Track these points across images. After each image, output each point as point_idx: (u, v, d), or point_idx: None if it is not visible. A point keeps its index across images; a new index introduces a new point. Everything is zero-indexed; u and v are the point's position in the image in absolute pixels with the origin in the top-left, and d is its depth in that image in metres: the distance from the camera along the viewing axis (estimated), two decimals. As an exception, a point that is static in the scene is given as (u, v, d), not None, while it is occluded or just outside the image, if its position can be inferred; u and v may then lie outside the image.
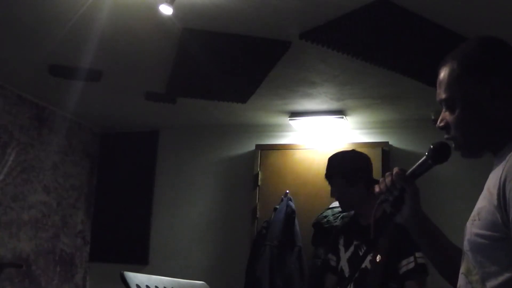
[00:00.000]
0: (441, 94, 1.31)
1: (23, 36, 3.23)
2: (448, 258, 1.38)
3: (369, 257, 2.32)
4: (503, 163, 1.17)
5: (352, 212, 2.72)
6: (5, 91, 4.12)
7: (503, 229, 1.12)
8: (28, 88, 4.20)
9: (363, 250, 2.43)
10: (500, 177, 1.14)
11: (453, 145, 1.31)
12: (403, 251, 2.30)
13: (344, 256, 2.51)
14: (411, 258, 2.29)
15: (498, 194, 1.13)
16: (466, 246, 1.22)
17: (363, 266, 2.35)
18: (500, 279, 1.12)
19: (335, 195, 2.59)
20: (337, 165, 2.60)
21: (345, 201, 2.55)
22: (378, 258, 2.28)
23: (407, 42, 3.07)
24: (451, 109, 1.29)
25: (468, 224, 1.23)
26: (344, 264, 2.51)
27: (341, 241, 2.57)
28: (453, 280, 1.30)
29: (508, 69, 1.25)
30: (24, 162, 4.28)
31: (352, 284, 2.37)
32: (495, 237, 1.13)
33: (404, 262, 2.30)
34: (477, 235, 1.17)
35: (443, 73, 1.31)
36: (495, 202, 1.13)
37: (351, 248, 2.49)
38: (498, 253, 1.13)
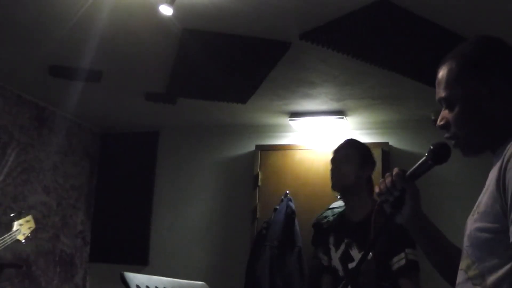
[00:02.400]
0: (441, 93, 1.31)
1: (23, 36, 3.23)
2: (447, 258, 1.38)
3: (359, 255, 2.32)
4: (503, 154, 1.16)
5: (341, 209, 2.72)
6: (5, 91, 4.12)
7: (503, 220, 1.11)
8: (28, 88, 4.20)
9: (354, 249, 2.42)
10: (500, 167, 1.14)
11: (453, 142, 1.31)
12: (394, 248, 2.30)
13: (336, 255, 2.50)
14: (402, 255, 2.29)
15: (498, 183, 1.13)
16: (465, 242, 1.22)
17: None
18: (500, 272, 1.11)
19: (339, 170, 2.55)
20: (358, 144, 2.64)
21: (346, 180, 2.50)
22: (369, 256, 2.28)
23: (407, 42, 3.07)
24: (450, 107, 1.29)
25: (468, 220, 1.23)
26: (336, 263, 2.50)
27: (331, 240, 2.56)
28: (453, 280, 1.30)
29: (508, 68, 1.26)
30: (24, 162, 4.27)
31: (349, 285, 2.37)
32: (495, 229, 1.13)
33: (395, 259, 2.30)
34: (477, 228, 1.17)
35: (442, 72, 1.32)
36: (495, 192, 1.13)
37: (342, 247, 2.48)
38: (498, 246, 1.12)
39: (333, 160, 2.60)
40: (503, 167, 1.13)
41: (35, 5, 2.84)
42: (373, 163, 2.58)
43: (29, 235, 3.14)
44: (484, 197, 1.19)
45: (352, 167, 2.50)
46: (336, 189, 2.59)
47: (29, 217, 3.17)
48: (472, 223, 1.20)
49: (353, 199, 2.51)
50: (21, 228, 3.08)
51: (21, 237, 3.08)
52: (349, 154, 2.55)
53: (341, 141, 4.44)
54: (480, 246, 1.16)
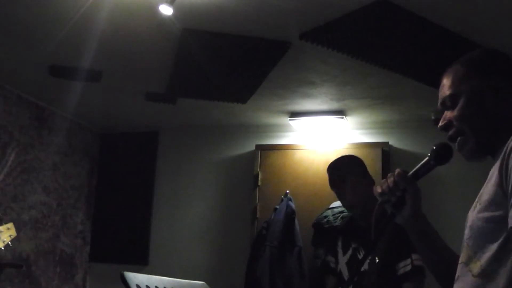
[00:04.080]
0: (445, 92, 1.33)
1: (23, 36, 3.23)
2: (443, 262, 1.38)
3: (367, 260, 2.31)
4: (504, 149, 1.17)
5: (342, 208, 2.70)
6: (5, 91, 4.12)
7: (504, 205, 1.11)
8: (28, 88, 4.20)
9: (361, 253, 2.42)
10: (503, 156, 1.14)
11: (455, 145, 1.32)
12: (401, 253, 2.29)
13: (343, 259, 2.50)
14: (408, 260, 2.28)
15: (500, 170, 1.14)
16: (466, 234, 1.22)
17: (362, 269, 2.34)
18: (502, 262, 1.11)
19: (349, 196, 2.48)
20: (348, 164, 2.55)
21: (359, 199, 2.45)
22: (376, 259, 2.28)
23: (407, 42, 3.07)
24: (454, 104, 1.30)
25: (470, 212, 1.23)
26: (342, 267, 2.50)
27: (340, 244, 2.56)
28: (446, 284, 1.30)
29: (510, 72, 1.28)
30: (24, 162, 4.27)
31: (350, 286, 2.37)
32: (497, 217, 1.13)
33: (401, 264, 2.30)
34: (479, 218, 1.17)
35: (447, 76, 1.34)
36: (498, 179, 1.14)
37: (349, 251, 2.48)
38: (499, 234, 1.12)
39: (332, 190, 2.55)
40: (506, 154, 1.14)
41: (35, 5, 2.84)
42: (365, 168, 2.57)
43: (9, 243, 3.11)
44: (486, 188, 1.19)
45: (357, 186, 2.46)
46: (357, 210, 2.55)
47: (10, 225, 3.15)
48: (474, 214, 1.20)
49: (368, 205, 2.49)
50: (1, 235, 3.05)
51: (0, 245, 3.05)
52: (349, 181, 2.48)
53: (343, 141, 4.50)
54: (481, 235, 1.16)
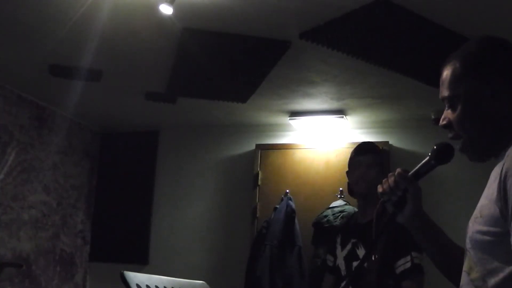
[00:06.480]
0: (444, 92, 1.31)
1: (23, 36, 3.23)
2: (450, 258, 1.38)
3: (365, 255, 2.32)
4: (503, 159, 1.16)
5: (352, 211, 2.72)
6: (5, 91, 4.12)
7: (503, 224, 1.11)
8: (28, 88, 4.19)
9: (360, 248, 2.42)
10: (501, 173, 1.13)
11: (457, 146, 1.31)
12: (400, 250, 2.30)
13: (341, 254, 2.51)
14: (408, 258, 2.28)
15: (499, 189, 1.13)
16: (467, 244, 1.22)
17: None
18: (501, 275, 1.12)
19: (367, 174, 2.47)
20: (378, 150, 2.62)
21: (371, 186, 2.39)
22: (374, 256, 2.28)
23: (407, 42, 3.07)
24: (453, 107, 1.29)
25: (470, 222, 1.23)
26: (340, 262, 2.50)
27: (338, 240, 2.57)
28: (456, 280, 1.29)
29: (510, 69, 1.25)
30: (24, 162, 4.27)
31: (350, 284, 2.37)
32: (496, 232, 1.13)
33: (401, 261, 2.30)
34: (478, 232, 1.17)
35: (446, 72, 1.31)
36: (496, 197, 1.13)
37: (348, 246, 2.48)
38: (499, 249, 1.13)
39: (359, 163, 2.50)
40: (503, 174, 1.13)
41: (36, 5, 2.84)
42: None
43: None
44: (485, 201, 1.18)
45: (379, 172, 2.46)
46: (359, 194, 2.53)
47: None
48: (473, 226, 1.20)
49: (365, 201, 2.49)
50: None
51: None
52: (376, 158, 2.50)
53: (343, 140, 4.50)
54: (481, 248, 1.16)
